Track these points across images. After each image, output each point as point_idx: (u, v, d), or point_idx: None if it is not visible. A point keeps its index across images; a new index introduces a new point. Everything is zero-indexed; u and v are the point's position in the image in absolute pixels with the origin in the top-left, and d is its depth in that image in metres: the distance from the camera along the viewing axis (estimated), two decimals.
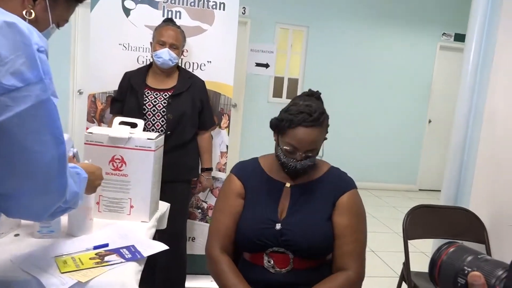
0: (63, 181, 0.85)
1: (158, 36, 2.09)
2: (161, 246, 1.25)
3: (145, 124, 2.06)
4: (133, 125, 1.49)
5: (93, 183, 1.13)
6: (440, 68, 5.69)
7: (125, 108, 2.14)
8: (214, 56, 2.44)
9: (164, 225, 1.69)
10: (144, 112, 2.09)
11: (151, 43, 2.17)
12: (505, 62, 2.16)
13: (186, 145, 2.16)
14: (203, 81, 2.24)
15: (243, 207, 1.37)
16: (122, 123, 1.49)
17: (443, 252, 0.61)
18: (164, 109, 2.09)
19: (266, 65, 5.18)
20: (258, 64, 5.17)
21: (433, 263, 0.62)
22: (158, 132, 2.08)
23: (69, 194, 0.88)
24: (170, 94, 2.11)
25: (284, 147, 1.30)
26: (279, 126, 1.32)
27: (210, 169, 2.31)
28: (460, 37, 5.48)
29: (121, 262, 1.12)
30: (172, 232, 1.92)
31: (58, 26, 0.99)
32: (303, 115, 1.27)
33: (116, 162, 1.42)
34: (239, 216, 1.36)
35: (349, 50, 5.41)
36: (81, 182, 0.98)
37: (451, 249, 0.61)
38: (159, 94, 2.11)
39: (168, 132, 2.07)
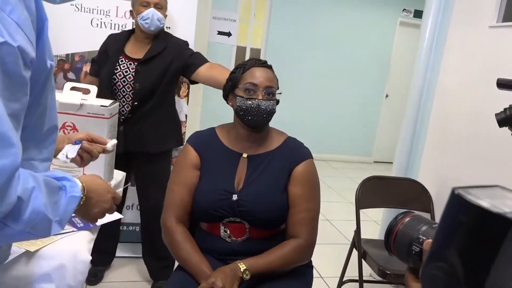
0: None
1: None
2: (115, 215, 1.23)
3: (116, 94, 1.97)
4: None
5: (93, 208, 0.81)
6: (399, 44, 5.82)
7: (100, 75, 2.03)
8: (173, 22, 2.36)
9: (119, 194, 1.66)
10: (114, 81, 1.97)
11: (131, 11, 2.02)
12: (457, 41, 2.24)
13: (156, 114, 2.04)
14: (184, 42, 2.09)
15: (199, 178, 1.37)
16: (73, 88, 1.42)
17: (399, 222, 0.64)
18: (132, 78, 1.97)
19: (229, 34, 5.08)
20: (220, 33, 5.05)
21: (389, 231, 0.64)
22: (128, 104, 1.98)
23: (27, 211, 0.61)
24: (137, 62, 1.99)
25: (244, 89, 1.32)
26: (232, 79, 1.36)
27: None
28: (419, 14, 5.60)
29: (73, 231, 1.10)
30: (156, 203, 1.91)
31: None
32: (252, 60, 1.38)
33: (67, 129, 1.37)
34: (195, 188, 1.35)
35: (312, 22, 5.40)
36: (64, 201, 0.70)
37: (407, 219, 0.64)
38: (132, 64, 1.99)
39: (136, 103, 1.97)
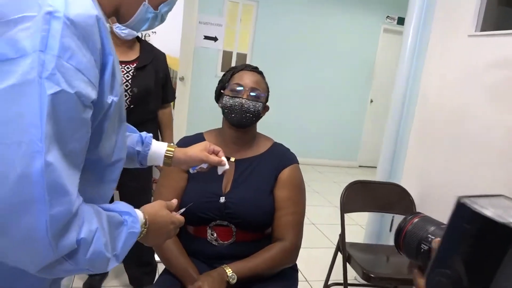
0: (38, 223, 0.57)
1: None
2: None
3: None
4: None
5: (151, 238, 0.83)
6: (383, 50, 5.91)
7: None
8: (159, 27, 2.36)
9: None
10: None
11: None
12: (438, 49, 2.30)
13: (149, 120, 2.08)
14: (164, 54, 2.15)
15: (187, 181, 1.38)
16: None
17: (408, 222, 0.67)
18: (127, 82, 1.98)
19: (215, 39, 5.10)
20: (206, 37, 5.07)
21: (399, 231, 0.67)
22: None
23: (89, 252, 0.63)
24: (133, 66, 2.00)
25: (231, 89, 1.37)
26: (223, 81, 1.42)
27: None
28: (402, 21, 5.68)
29: None
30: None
31: (157, 9, 0.86)
32: (244, 65, 1.45)
33: None
34: (183, 191, 1.37)
35: (297, 28, 5.45)
36: (124, 235, 0.72)
37: (416, 219, 0.67)
38: (121, 67, 1.99)
39: (131, 106, 1.97)
